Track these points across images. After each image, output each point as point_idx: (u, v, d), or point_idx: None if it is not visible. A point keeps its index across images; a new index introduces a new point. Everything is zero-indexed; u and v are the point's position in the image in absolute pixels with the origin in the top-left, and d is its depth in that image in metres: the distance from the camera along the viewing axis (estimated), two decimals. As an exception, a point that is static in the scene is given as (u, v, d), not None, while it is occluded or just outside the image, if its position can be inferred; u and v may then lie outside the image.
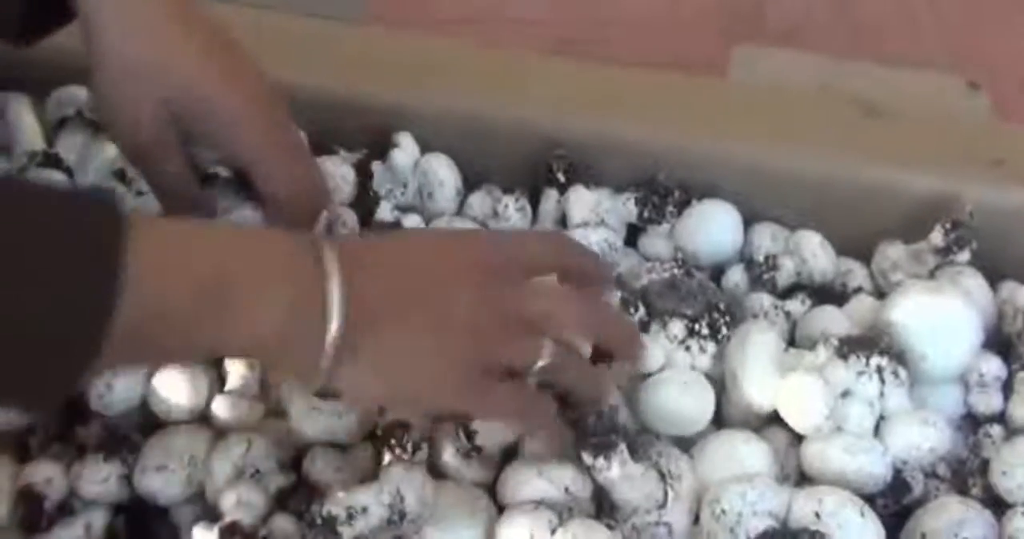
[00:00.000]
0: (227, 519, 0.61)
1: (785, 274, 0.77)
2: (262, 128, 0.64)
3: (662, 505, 0.63)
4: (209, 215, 0.66)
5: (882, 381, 0.67)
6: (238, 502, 0.62)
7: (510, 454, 0.66)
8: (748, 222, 0.80)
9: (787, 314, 0.75)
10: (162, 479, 0.65)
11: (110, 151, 0.76)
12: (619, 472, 0.61)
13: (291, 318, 0.51)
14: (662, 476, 0.64)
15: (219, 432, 0.67)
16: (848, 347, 0.67)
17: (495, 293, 0.56)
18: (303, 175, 0.66)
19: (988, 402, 0.72)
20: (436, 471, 0.65)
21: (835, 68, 1.38)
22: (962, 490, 0.70)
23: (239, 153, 0.64)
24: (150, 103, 0.62)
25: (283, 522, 0.62)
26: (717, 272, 0.79)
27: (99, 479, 0.65)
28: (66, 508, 0.65)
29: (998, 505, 0.68)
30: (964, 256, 0.75)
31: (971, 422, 0.73)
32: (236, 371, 0.68)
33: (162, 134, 0.63)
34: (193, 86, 0.63)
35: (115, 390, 0.67)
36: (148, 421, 0.68)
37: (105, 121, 0.64)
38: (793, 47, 1.47)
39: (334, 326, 0.51)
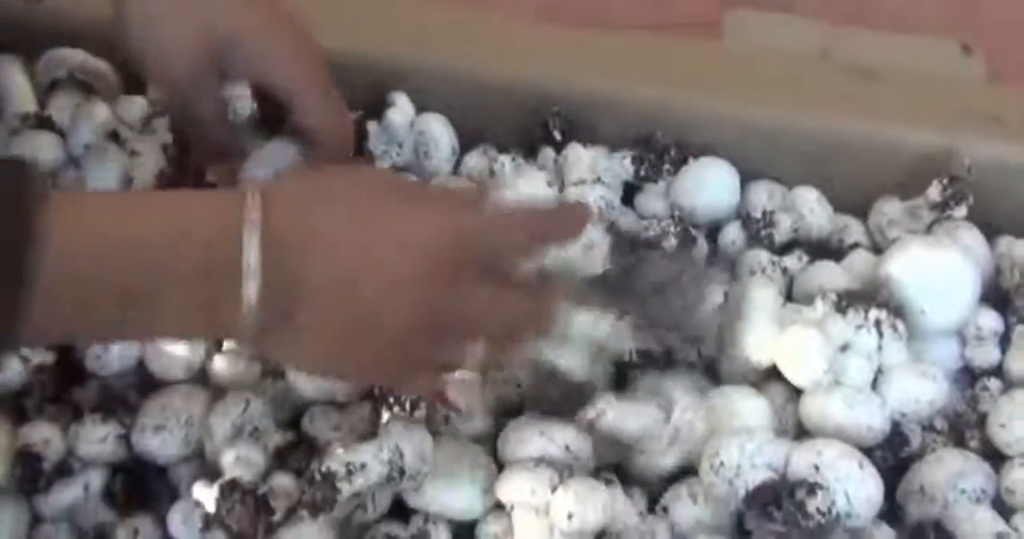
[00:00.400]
0: (227, 476, 0.61)
1: (782, 230, 0.76)
2: (308, 62, 0.64)
3: (667, 422, 0.64)
4: (238, 157, 0.65)
5: (880, 334, 0.67)
6: (237, 459, 0.62)
7: (512, 411, 0.67)
8: (745, 180, 0.79)
9: (784, 270, 0.75)
10: (160, 439, 0.65)
11: (102, 113, 0.76)
12: (613, 411, 0.62)
13: (209, 281, 0.50)
14: (658, 405, 0.64)
15: (217, 392, 0.67)
16: (847, 301, 0.67)
17: (436, 295, 0.53)
18: (340, 111, 0.65)
19: (986, 356, 0.72)
20: (436, 428, 0.65)
21: (828, 32, 1.38)
22: (959, 443, 0.70)
23: (283, 84, 0.63)
24: (193, 33, 0.61)
25: (282, 479, 0.62)
26: (714, 229, 0.79)
27: (97, 439, 0.65)
28: (64, 469, 0.65)
29: (995, 458, 0.68)
30: (961, 211, 0.75)
31: (968, 376, 0.73)
32: (233, 330, 0.68)
33: (202, 67, 0.62)
34: (242, 17, 0.62)
35: (112, 351, 0.67)
36: (145, 381, 0.68)
37: (142, 57, 0.62)
38: (787, 11, 1.46)
39: (252, 291, 0.50)
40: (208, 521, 0.61)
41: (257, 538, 0.61)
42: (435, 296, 0.53)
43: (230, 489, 0.60)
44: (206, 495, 0.61)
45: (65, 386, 0.67)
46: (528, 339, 0.60)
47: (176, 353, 0.66)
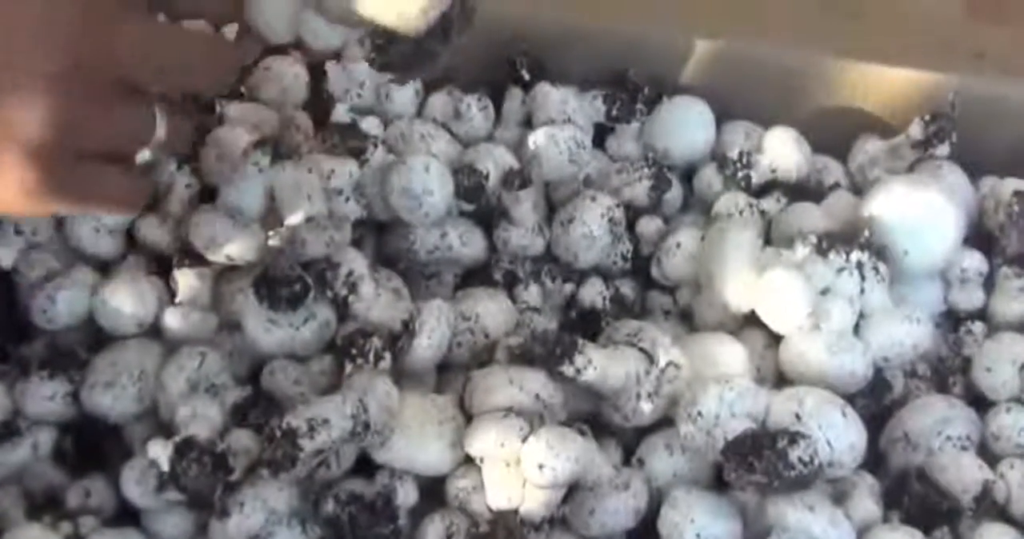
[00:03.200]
0: (183, 434, 0.58)
1: (759, 172, 0.74)
2: None
3: (648, 371, 0.61)
4: None
5: (862, 277, 0.64)
6: (194, 416, 0.59)
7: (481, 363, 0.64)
8: (720, 119, 0.76)
9: (762, 213, 0.72)
10: (111, 396, 0.62)
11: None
12: (595, 365, 0.59)
13: None
14: (641, 350, 0.62)
15: (170, 346, 0.63)
16: (827, 243, 0.65)
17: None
18: None
19: (970, 298, 0.70)
20: (401, 380, 0.62)
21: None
22: (942, 389, 0.68)
23: None
24: None
25: (242, 437, 0.60)
26: (689, 172, 0.76)
27: (44, 397, 0.62)
28: (11, 429, 0.62)
29: (979, 404, 0.67)
30: (944, 149, 0.73)
31: (950, 320, 0.71)
32: (186, 281, 0.64)
33: None
34: None
35: (58, 304, 0.63)
36: (95, 336, 0.65)
37: None
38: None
39: None
40: (163, 481, 0.58)
41: (215, 498, 0.58)
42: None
43: (186, 447, 0.58)
44: (161, 454, 0.58)
45: (10, 342, 0.64)
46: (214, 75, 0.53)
47: (126, 305, 0.63)
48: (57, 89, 0.47)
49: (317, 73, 0.74)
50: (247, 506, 0.58)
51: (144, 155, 0.56)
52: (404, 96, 0.74)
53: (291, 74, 0.73)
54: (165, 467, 0.58)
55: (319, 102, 0.73)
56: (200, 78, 0.53)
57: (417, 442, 0.60)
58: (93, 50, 0.47)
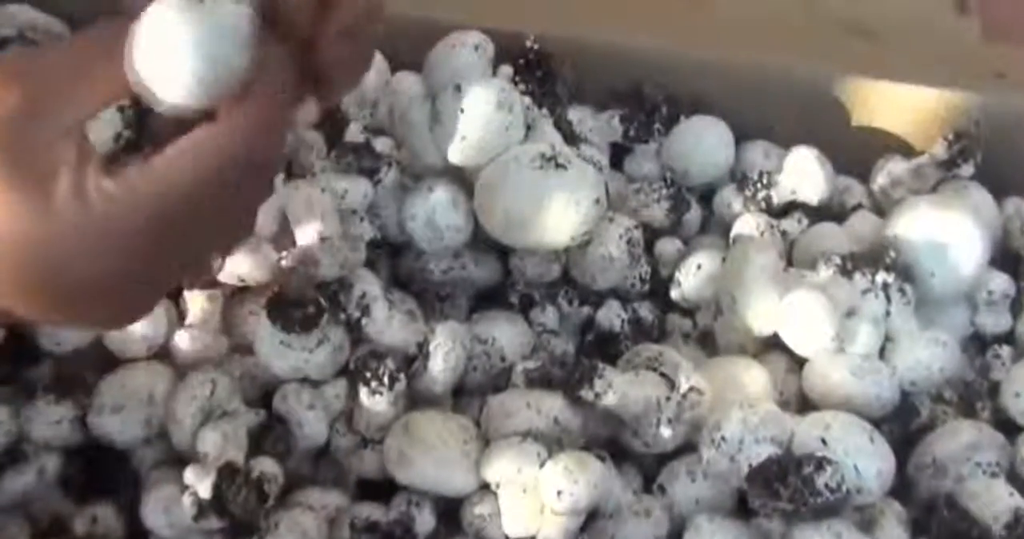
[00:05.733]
0: (220, 458, 0.57)
1: (780, 192, 0.72)
2: None
3: (669, 397, 0.60)
4: None
5: (888, 299, 0.63)
6: (225, 439, 0.58)
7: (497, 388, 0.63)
8: (740, 140, 0.75)
9: (783, 234, 0.71)
10: (119, 420, 0.60)
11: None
12: (615, 390, 0.58)
13: None
14: (662, 375, 0.60)
15: (180, 369, 0.62)
16: (852, 264, 0.63)
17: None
18: None
19: (997, 321, 0.69)
20: (418, 400, 0.61)
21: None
22: (969, 414, 0.66)
23: None
24: None
25: (266, 463, 0.59)
26: (708, 192, 0.75)
27: (51, 422, 0.60)
28: (16, 454, 0.60)
29: (1008, 428, 0.65)
30: (968, 169, 0.71)
31: (977, 343, 0.70)
32: (196, 303, 0.63)
33: None
34: None
35: (66, 326, 0.62)
36: (103, 359, 0.63)
37: None
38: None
39: None
40: (202, 508, 0.57)
41: (258, 522, 0.57)
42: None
43: (229, 473, 0.56)
44: (198, 480, 0.57)
45: (17, 365, 0.63)
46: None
47: (136, 329, 0.62)
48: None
49: (330, 93, 0.73)
50: (282, 528, 0.58)
51: None
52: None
53: (304, 93, 0.72)
54: (205, 494, 0.56)
55: (332, 121, 0.72)
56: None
57: (441, 462, 0.59)
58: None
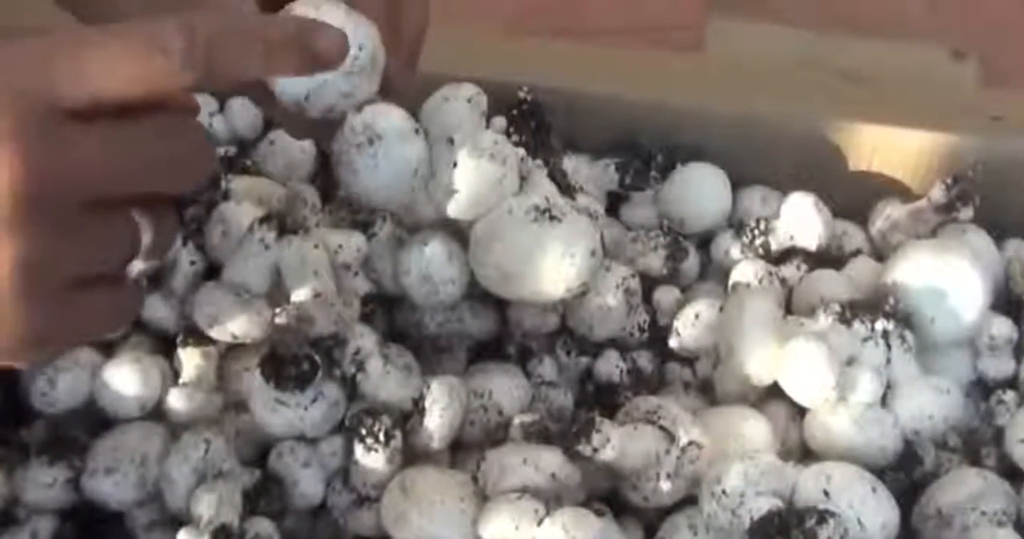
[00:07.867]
0: (214, 520, 0.56)
1: (778, 238, 0.72)
2: None
3: (668, 451, 0.59)
4: None
5: (888, 346, 0.62)
6: (220, 502, 0.57)
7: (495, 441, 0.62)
8: (736, 185, 0.75)
9: (782, 281, 0.70)
10: (112, 482, 0.59)
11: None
12: (613, 444, 0.57)
13: None
14: (660, 428, 0.59)
15: (174, 428, 0.61)
16: (851, 311, 0.63)
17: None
18: None
19: (1000, 366, 0.68)
20: (415, 456, 0.60)
21: (814, 40, 1.34)
22: (974, 461, 0.66)
23: None
24: None
25: (262, 524, 0.58)
26: (705, 239, 0.74)
27: (44, 484, 0.60)
28: (10, 516, 0.60)
29: (1014, 474, 0.64)
30: (967, 213, 0.71)
31: (980, 389, 0.69)
32: (190, 361, 0.63)
33: None
34: None
35: (59, 387, 0.62)
36: (96, 420, 0.63)
37: None
38: (770, 20, 1.43)
39: None
40: None
41: None
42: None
43: (224, 535, 0.56)
44: None
45: (9, 426, 0.63)
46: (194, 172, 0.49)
47: (129, 387, 0.61)
48: (20, 233, 0.43)
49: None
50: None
51: (135, 266, 0.51)
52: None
53: (298, 147, 0.72)
54: None
55: (326, 175, 0.72)
56: (176, 173, 0.48)
57: (438, 520, 0.58)
58: (46, 180, 0.43)
